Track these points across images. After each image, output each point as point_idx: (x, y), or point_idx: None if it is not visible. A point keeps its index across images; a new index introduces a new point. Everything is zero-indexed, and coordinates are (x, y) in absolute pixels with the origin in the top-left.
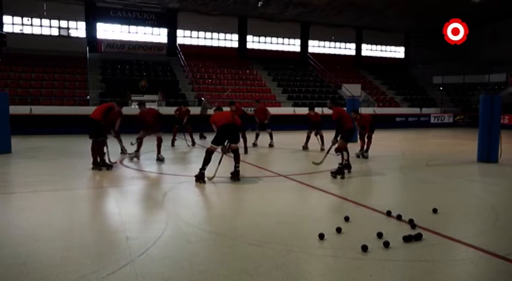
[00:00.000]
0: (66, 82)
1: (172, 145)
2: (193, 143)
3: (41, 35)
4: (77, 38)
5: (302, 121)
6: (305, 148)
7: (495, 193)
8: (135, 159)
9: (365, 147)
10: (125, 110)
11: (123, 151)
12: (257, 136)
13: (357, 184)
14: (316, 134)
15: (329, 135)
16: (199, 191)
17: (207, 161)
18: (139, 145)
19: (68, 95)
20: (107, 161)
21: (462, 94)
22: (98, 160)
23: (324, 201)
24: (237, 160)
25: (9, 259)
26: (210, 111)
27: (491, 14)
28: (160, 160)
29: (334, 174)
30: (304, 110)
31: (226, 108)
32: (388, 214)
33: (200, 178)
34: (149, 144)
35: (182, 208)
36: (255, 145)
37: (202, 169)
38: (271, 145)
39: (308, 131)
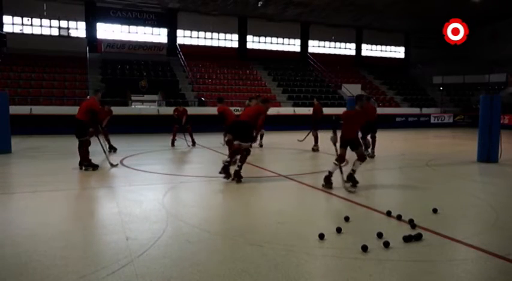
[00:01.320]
0: (66, 82)
1: (173, 144)
2: (194, 143)
3: (41, 35)
4: (77, 38)
5: (302, 121)
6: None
7: (495, 193)
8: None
9: (369, 147)
10: (124, 110)
11: (111, 150)
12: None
13: (357, 183)
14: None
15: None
16: (199, 191)
17: (234, 153)
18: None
19: (68, 95)
20: (108, 161)
21: (462, 94)
22: (84, 159)
23: (324, 201)
24: (241, 159)
25: (9, 259)
26: None
27: (491, 14)
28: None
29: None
30: (304, 110)
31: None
32: (388, 214)
33: (226, 170)
34: (149, 144)
35: (182, 208)
36: (260, 145)
37: (228, 161)
38: (261, 145)
39: (313, 131)
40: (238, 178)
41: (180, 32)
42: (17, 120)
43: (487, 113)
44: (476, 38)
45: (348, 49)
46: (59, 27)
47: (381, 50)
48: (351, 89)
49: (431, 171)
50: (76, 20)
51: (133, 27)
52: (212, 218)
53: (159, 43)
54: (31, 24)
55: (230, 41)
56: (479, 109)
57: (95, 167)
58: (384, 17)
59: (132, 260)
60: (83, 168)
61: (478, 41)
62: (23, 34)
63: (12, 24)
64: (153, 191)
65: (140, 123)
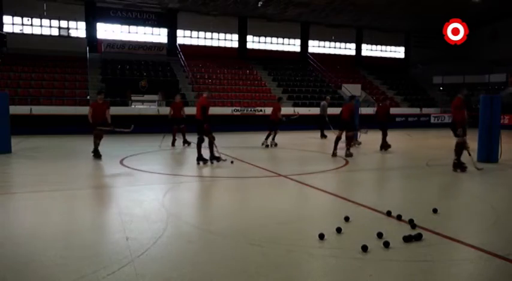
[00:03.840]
0: (66, 82)
1: (173, 145)
2: (186, 142)
3: (41, 35)
4: (77, 38)
5: (302, 121)
6: (335, 154)
7: (495, 193)
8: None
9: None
10: (124, 110)
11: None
12: (268, 136)
13: (357, 183)
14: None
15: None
16: (199, 191)
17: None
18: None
19: (68, 95)
20: (215, 154)
21: None
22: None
23: (324, 201)
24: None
25: (9, 259)
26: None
27: (491, 14)
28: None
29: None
30: (304, 110)
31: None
32: (388, 214)
33: (459, 166)
34: (149, 144)
35: (182, 208)
36: (266, 145)
37: (458, 159)
38: (267, 145)
39: (339, 132)
40: (461, 168)
41: (180, 32)
42: (17, 120)
43: (487, 113)
44: (476, 38)
45: (347, 49)
46: (59, 27)
47: (381, 50)
48: (351, 89)
49: (431, 171)
50: (76, 20)
51: (133, 27)
52: (212, 218)
53: (159, 43)
54: (31, 24)
55: (230, 41)
56: (479, 109)
57: (218, 159)
58: (383, 17)
59: (132, 260)
60: (210, 162)
61: (478, 41)
62: (23, 34)
63: (12, 24)
64: (153, 191)
65: (140, 123)
